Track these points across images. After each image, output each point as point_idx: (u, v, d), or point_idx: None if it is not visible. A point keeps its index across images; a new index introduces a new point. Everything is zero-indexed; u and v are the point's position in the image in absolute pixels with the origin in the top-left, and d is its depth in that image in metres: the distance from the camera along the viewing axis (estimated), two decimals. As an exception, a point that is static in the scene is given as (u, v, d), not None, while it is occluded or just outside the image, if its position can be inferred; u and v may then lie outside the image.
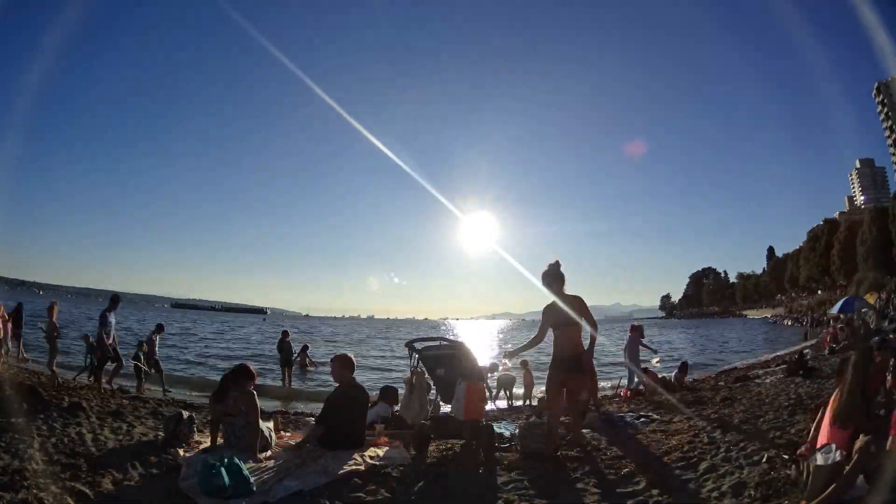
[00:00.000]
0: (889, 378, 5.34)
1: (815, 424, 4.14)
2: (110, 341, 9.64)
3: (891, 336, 13.19)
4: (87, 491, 3.65)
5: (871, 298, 18.62)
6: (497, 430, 6.65)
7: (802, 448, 4.06)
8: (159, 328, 12.07)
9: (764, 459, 4.30)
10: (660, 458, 4.80)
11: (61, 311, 13.91)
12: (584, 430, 5.81)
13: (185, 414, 5.36)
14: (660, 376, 10.28)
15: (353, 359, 5.41)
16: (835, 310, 14.70)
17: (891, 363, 5.41)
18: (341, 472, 4.34)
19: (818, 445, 3.73)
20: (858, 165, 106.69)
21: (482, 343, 35.87)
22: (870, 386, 4.01)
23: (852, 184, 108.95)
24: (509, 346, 21.01)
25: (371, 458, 4.72)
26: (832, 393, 4.03)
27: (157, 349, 11.37)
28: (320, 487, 4.02)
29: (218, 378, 7.41)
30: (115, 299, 9.93)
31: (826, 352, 14.36)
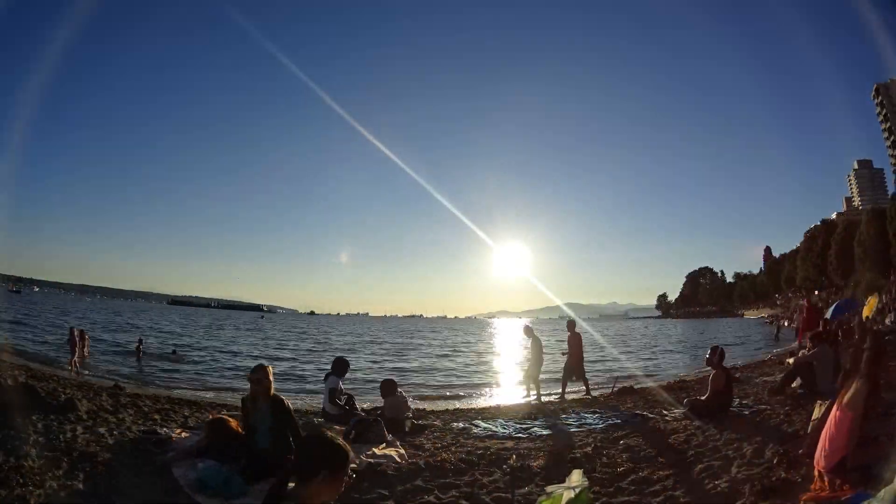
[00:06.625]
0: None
1: (815, 423, 4.14)
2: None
3: (887, 337, 13.23)
4: (84, 487, 3.65)
5: (872, 302, 18.24)
6: (493, 427, 6.69)
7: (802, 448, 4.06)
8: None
9: (762, 459, 4.32)
10: (656, 456, 4.81)
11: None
12: (577, 429, 5.82)
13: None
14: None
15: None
16: (828, 315, 14.64)
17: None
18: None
19: (820, 443, 3.72)
20: (856, 167, 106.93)
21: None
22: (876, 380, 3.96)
23: (850, 185, 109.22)
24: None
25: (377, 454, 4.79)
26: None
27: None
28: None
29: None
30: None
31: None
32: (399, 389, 7.12)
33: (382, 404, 6.93)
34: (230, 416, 5.37)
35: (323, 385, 7.01)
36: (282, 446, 4.45)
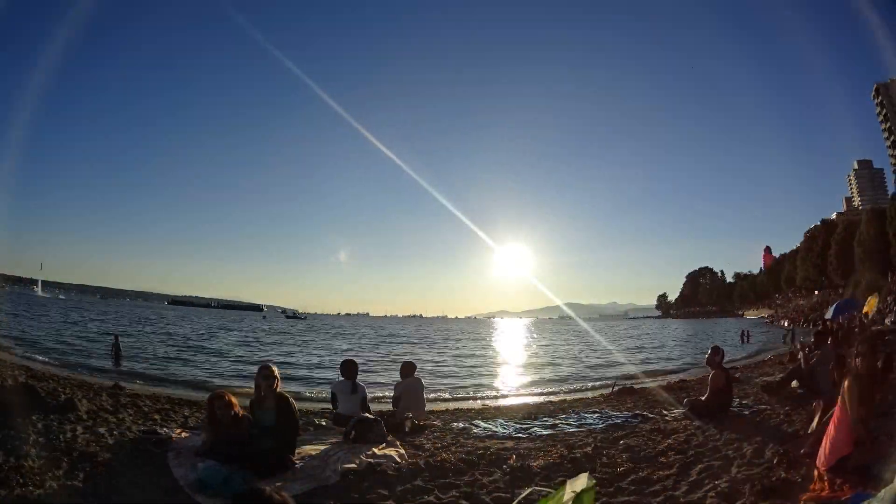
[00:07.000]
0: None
1: (814, 424, 4.14)
2: None
3: (887, 338, 13.24)
4: (84, 487, 3.65)
5: (872, 302, 18.13)
6: (493, 427, 6.70)
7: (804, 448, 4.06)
8: None
9: (762, 459, 4.32)
10: (656, 457, 4.81)
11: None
12: (577, 429, 5.82)
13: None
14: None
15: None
16: (828, 315, 14.60)
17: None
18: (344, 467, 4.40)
19: (822, 444, 3.72)
20: (856, 167, 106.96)
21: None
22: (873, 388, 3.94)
23: (850, 185, 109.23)
24: None
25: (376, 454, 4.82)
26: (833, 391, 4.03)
27: None
28: (317, 486, 4.04)
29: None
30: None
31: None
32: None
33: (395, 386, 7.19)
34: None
35: (330, 387, 6.82)
36: (284, 446, 4.48)
